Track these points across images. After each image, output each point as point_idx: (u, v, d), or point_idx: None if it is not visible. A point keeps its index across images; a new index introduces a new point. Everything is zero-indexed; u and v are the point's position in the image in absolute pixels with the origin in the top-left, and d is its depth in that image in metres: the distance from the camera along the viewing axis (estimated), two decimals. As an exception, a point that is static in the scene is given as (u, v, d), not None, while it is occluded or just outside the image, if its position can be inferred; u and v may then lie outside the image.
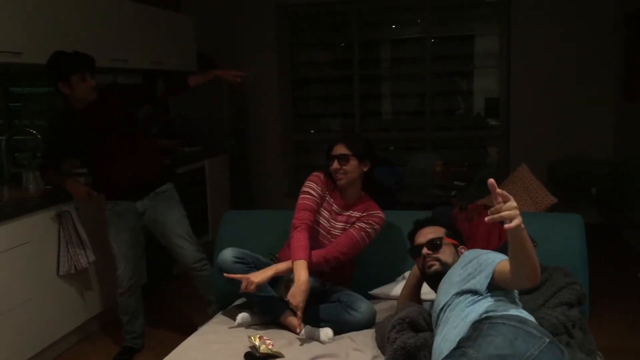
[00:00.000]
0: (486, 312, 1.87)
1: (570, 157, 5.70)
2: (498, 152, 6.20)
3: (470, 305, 1.94)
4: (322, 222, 2.74)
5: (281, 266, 2.56)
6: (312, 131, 6.81)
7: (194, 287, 3.54)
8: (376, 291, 2.80)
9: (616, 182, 5.38)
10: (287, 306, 2.51)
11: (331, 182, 2.79)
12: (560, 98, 5.76)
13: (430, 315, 2.22)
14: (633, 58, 5.15)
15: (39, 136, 3.75)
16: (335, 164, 2.68)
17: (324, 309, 2.55)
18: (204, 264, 3.45)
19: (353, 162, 2.68)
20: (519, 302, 2.03)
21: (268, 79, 6.35)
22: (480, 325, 1.81)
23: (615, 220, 5.56)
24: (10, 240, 3.06)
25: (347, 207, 2.77)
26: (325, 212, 2.76)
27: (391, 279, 2.83)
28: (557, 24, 5.68)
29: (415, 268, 2.45)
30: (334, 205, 2.78)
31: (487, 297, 1.95)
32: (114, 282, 3.43)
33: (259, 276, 2.48)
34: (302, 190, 2.76)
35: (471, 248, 2.36)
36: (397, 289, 2.69)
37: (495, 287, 1.96)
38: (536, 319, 1.98)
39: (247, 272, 2.54)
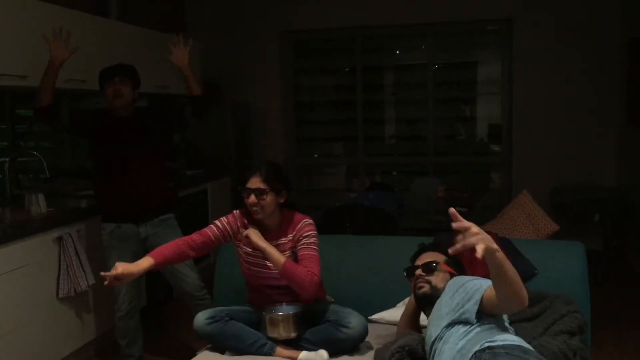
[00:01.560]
0: (486, 341, 1.85)
1: (573, 184, 5.69)
2: (500, 178, 6.19)
3: (464, 336, 1.93)
4: (255, 261, 2.65)
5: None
6: (316, 155, 6.83)
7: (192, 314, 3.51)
8: (376, 316, 2.78)
9: (620, 208, 5.36)
10: (275, 342, 2.52)
11: (246, 218, 2.69)
12: (562, 124, 5.77)
13: (429, 343, 2.20)
14: (636, 84, 5.17)
15: (42, 158, 3.77)
16: (252, 198, 2.55)
17: (315, 332, 2.54)
18: (204, 292, 3.44)
19: (270, 197, 2.56)
20: (509, 327, 2.01)
21: (272, 103, 6.39)
22: (482, 355, 1.79)
23: (619, 247, 5.53)
24: (10, 262, 3.05)
25: (276, 236, 2.63)
26: (249, 249, 2.66)
27: (391, 304, 2.81)
28: (560, 51, 5.72)
29: (411, 296, 2.43)
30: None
31: (477, 326, 1.94)
32: (111, 306, 3.41)
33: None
34: None
35: (473, 274, 2.34)
36: (397, 314, 2.66)
37: (485, 313, 1.95)
38: (537, 347, 1.96)
39: (223, 327, 2.53)
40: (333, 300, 2.78)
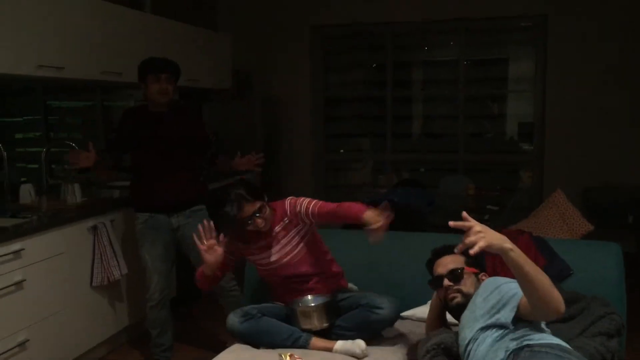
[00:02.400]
0: (524, 339, 1.83)
1: (606, 184, 5.59)
2: (532, 177, 6.12)
3: (500, 339, 1.90)
4: (266, 260, 2.68)
5: None
6: (342, 151, 6.82)
7: (222, 306, 3.54)
8: (407, 313, 2.78)
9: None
10: (309, 334, 2.53)
11: (241, 241, 2.69)
12: (596, 123, 5.68)
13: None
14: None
15: (77, 148, 3.83)
16: (258, 221, 2.56)
17: (348, 318, 2.56)
18: (234, 284, 3.47)
19: (265, 207, 2.60)
20: (546, 329, 1.98)
21: (301, 97, 6.39)
22: (521, 353, 1.77)
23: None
24: (47, 250, 3.12)
25: (273, 226, 2.66)
26: (265, 258, 2.68)
27: (422, 301, 2.79)
28: (594, 48, 5.62)
29: (434, 298, 2.41)
30: (264, 242, 2.67)
31: (513, 329, 1.91)
32: (142, 295, 3.46)
33: None
34: None
35: (504, 275, 2.32)
36: (427, 311, 2.65)
37: (521, 318, 1.92)
38: (574, 348, 1.93)
39: (257, 325, 2.54)
40: (356, 288, 2.81)
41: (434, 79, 6.60)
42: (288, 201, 2.68)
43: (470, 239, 1.66)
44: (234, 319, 2.57)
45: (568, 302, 2.31)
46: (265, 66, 6.36)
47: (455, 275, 2.24)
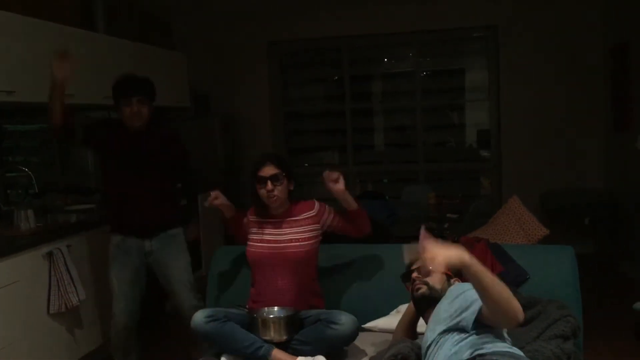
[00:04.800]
0: (477, 349, 1.85)
1: (562, 188, 5.73)
2: (490, 184, 6.22)
3: (458, 343, 1.93)
4: (272, 246, 2.74)
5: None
6: (306, 164, 6.83)
7: (186, 326, 3.48)
8: (370, 324, 2.78)
9: (609, 211, 5.41)
10: (271, 345, 2.52)
11: (255, 216, 2.82)
12: (550, 129, 5.82)
13: (423, 350, 2.20)
14: (620, 89, 5.23)
15: (31, 173, 3.75)
16: (269, 185, 2.68)
17: (306, 332, 2.56)
18: (200, 302, 3.42)
19: (285, 182, 2.73)
20: (507, 336, 2.01)
21: (261, 114, 6.39)
22: None
23: (610, 250, 5.56)
24: (1, 279, 3.02)
25: (287, 214, 2.79)
26: (272, 235, 2.77)
27: (385, 312, 2.81)
28: (545, 57, 5.78)
29: (411, 304, 2.43)
30: (271, 222, 2.79)
31: (473, 334, 1.94)
32: (104, 319, 3.38)
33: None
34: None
35: (464, 281, 2.35)
36: (390, 322, 2.67)
37: (482, 323, 1.95)
38: (531, 351, 1.96)
39: (221, 327, 2.52)
40: None
41: (393, 90, 6.68)
42: (318, 202, 2.86)
43: (426, 269, 1.70)
44: (200, 318, 2.53)
45: (525, 307, 2.34)
46: (224, 84, 6.35)
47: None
